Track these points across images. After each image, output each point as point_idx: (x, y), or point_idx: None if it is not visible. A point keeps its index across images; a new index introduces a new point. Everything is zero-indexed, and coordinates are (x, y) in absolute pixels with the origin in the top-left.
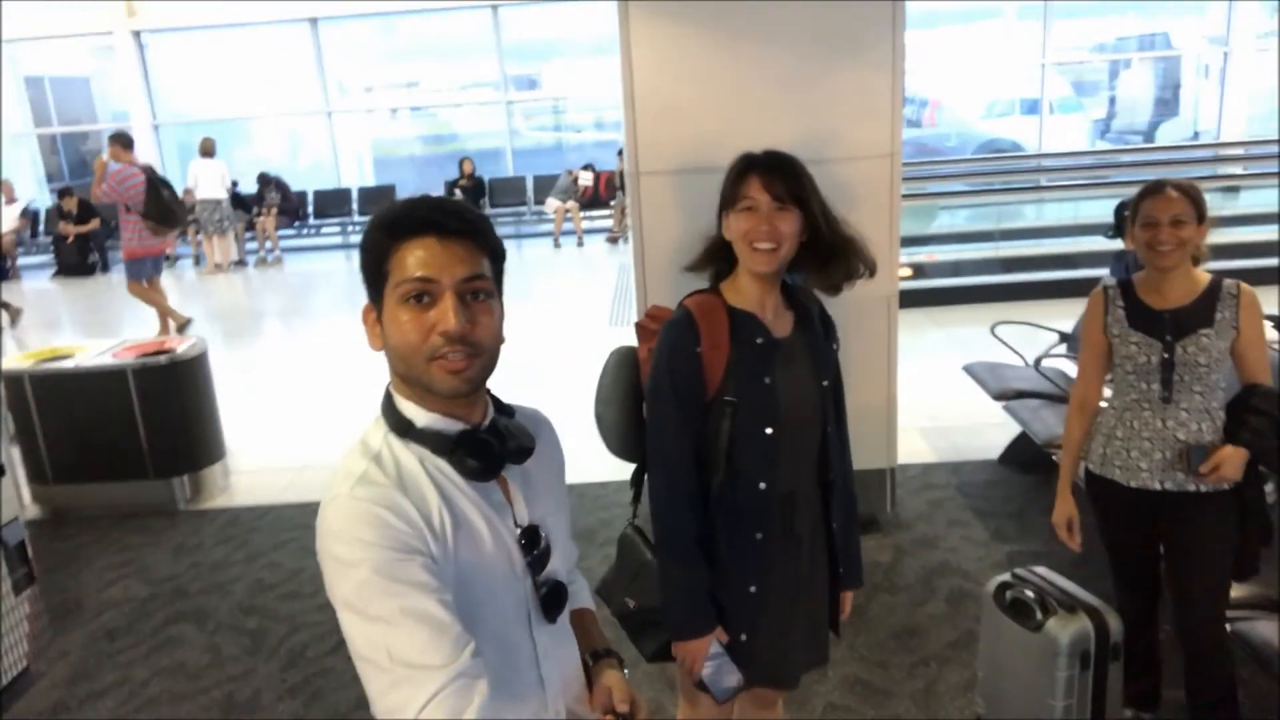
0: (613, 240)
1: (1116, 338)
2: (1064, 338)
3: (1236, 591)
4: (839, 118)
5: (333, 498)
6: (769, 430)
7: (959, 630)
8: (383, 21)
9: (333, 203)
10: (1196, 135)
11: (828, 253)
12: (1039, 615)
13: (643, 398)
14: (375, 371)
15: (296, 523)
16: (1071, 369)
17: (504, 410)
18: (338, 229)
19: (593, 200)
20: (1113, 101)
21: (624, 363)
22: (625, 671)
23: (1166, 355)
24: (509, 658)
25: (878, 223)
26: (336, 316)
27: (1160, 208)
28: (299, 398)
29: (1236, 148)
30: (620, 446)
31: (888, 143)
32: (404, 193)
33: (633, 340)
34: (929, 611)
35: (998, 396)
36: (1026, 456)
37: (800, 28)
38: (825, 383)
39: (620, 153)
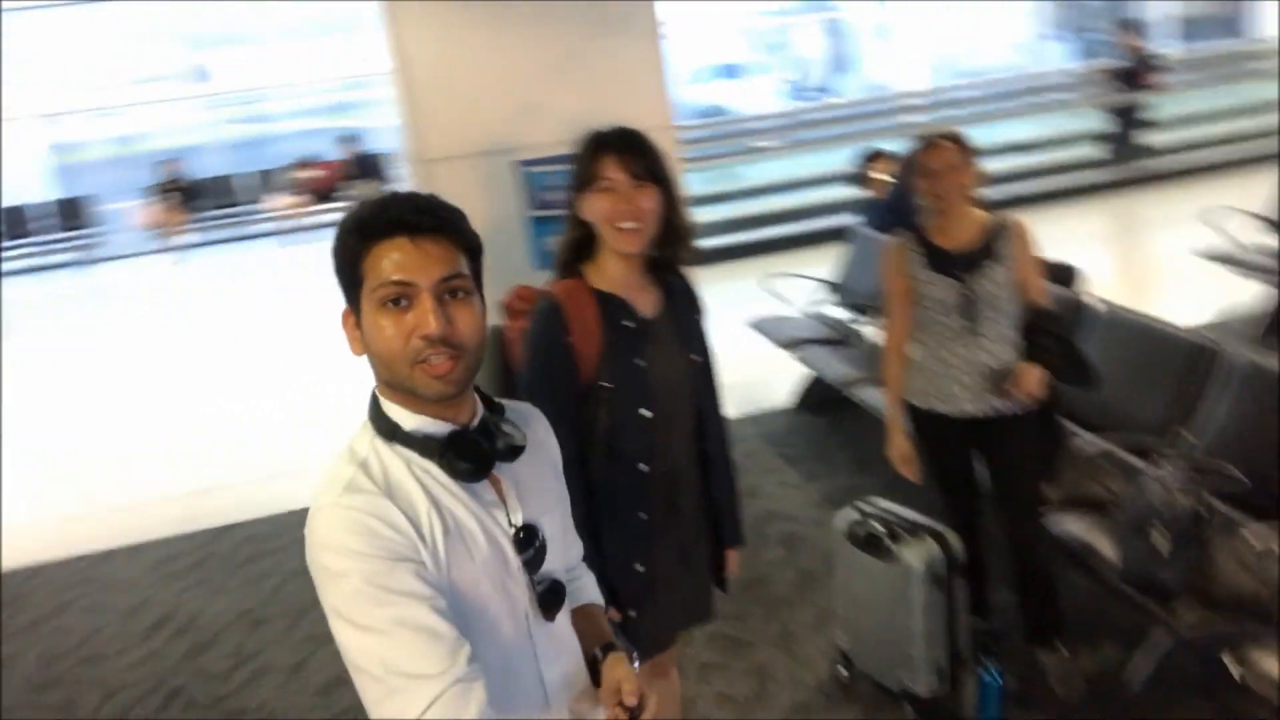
0: None
1: (918, 281)
2: (834, 287)
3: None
4: (615, 92)
5: (320, 506)
6: (646, 412)
7: (799, 571)
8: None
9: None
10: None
11: (676, 233)
12: (890, 545)
13: (512, 378)
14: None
15: (79, 578)
16: (839, 314)
17: (494, 408)
18: None
19: (326, 193)
20: (797, 62)
21: (490, 343)
22: (635, 665)
23: (965, 292)
24: (508, 659)
25: None
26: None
27: (936, 158)
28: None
29: (917, 98)
30: None
31: (662, 113)
32: (100, 204)
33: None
34: (768, 559)
35: (786, 346)
36: (817, 400)
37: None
38: (696, 358)
39: (347, 139)
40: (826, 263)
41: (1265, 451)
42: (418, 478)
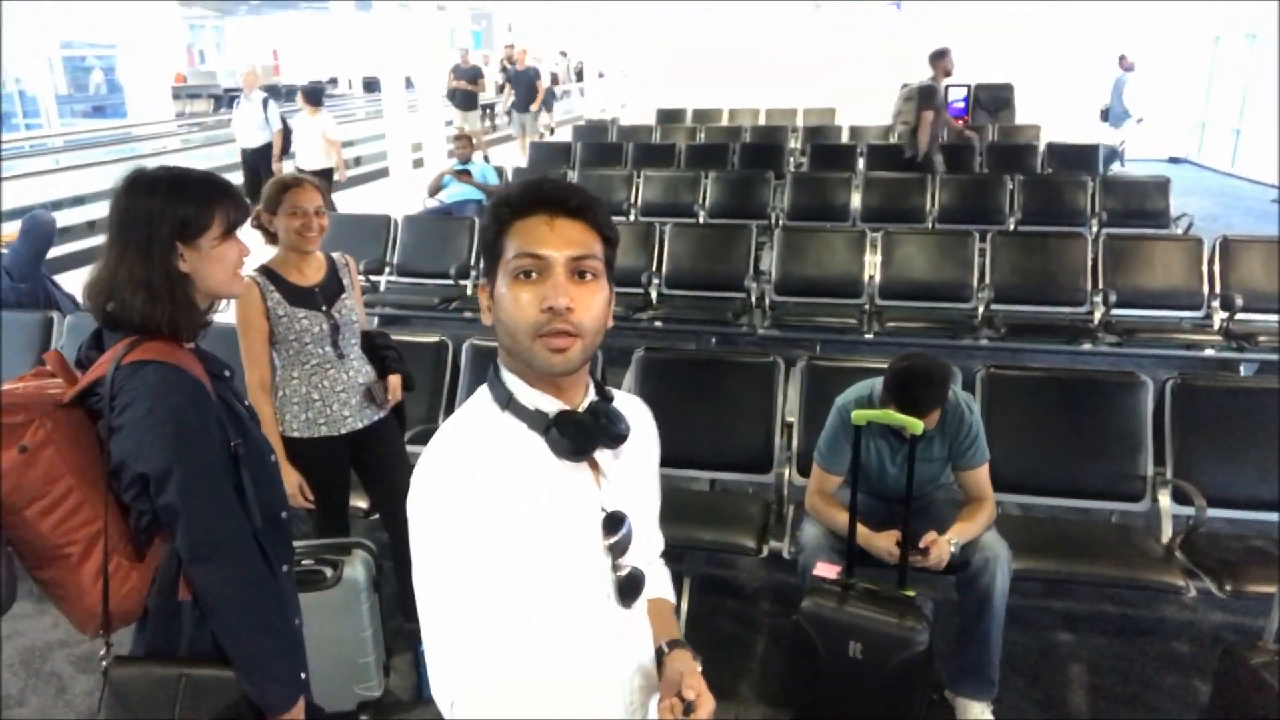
0: None
1: (283, 318)
2: None
3: None
4: None
5: (424, 459)
6: (272, 458)
7: None
8: None
9: None
10: None
11: None
12: (330, 572)
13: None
14: None
15: None
16: None
17: (605, 396)
18: None
19: None
20: None
21: None
22: (699, 666)
23: (330, 322)
24: (584, 638)
25: None
26: None
27: (306, 198)
28: None
29: None
30: (8, 597)
31: None
32: None
33: None
34: None
35: None
36: None
37: None
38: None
39: None
40: None
41: None
42: (520, 448)
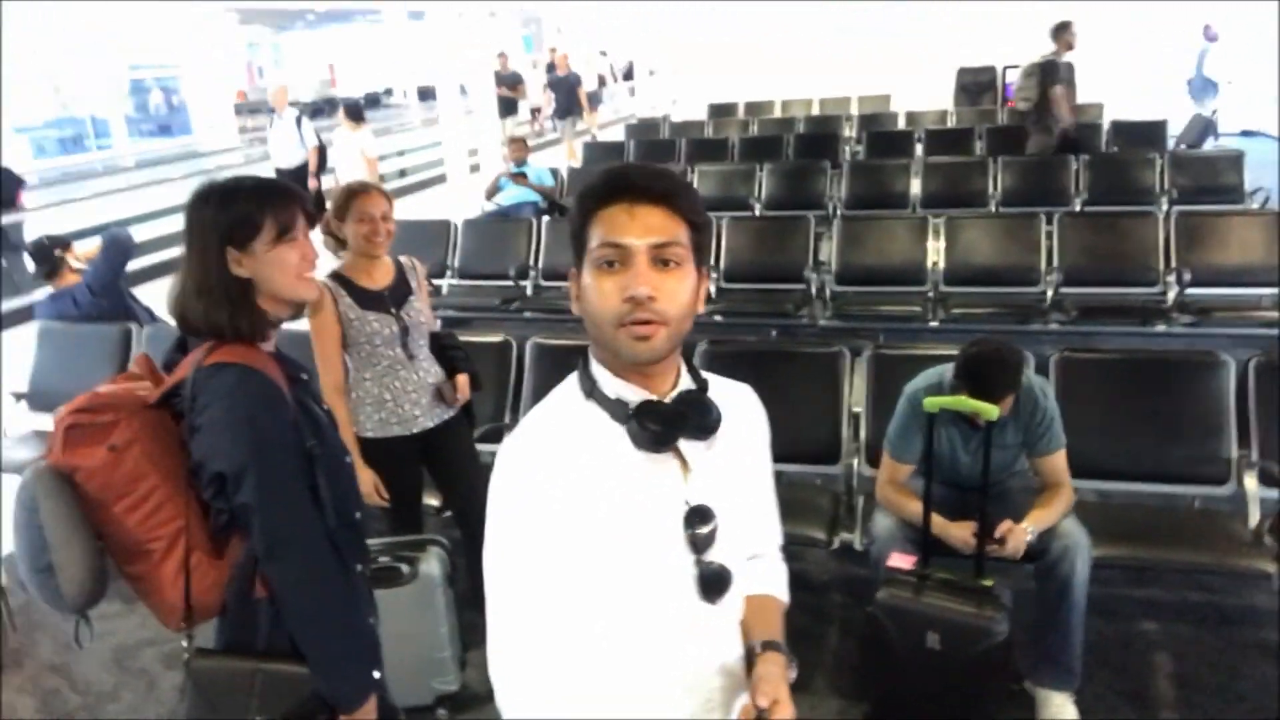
0: None
1: (354, 321)
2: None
3: None
4: None
5: (504, 447)
6: (348, 459)
7: None
8: None
9: None
10: None
11: None
12: (407, 568)
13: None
14: None
15: None
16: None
17: (700, 385)
18: None
19: None
20: None
21: (62, 487)
22: (794, 673)
23: (400, 324)
24: (660, 634)
25: None
26: None
27: (373, 204)
28: None
29: None
30: (95, 591)
31: None
32: None
33: None
34: None
35: None
36: None
37: None
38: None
39: None
40: None
41: None
42: (601, 438)
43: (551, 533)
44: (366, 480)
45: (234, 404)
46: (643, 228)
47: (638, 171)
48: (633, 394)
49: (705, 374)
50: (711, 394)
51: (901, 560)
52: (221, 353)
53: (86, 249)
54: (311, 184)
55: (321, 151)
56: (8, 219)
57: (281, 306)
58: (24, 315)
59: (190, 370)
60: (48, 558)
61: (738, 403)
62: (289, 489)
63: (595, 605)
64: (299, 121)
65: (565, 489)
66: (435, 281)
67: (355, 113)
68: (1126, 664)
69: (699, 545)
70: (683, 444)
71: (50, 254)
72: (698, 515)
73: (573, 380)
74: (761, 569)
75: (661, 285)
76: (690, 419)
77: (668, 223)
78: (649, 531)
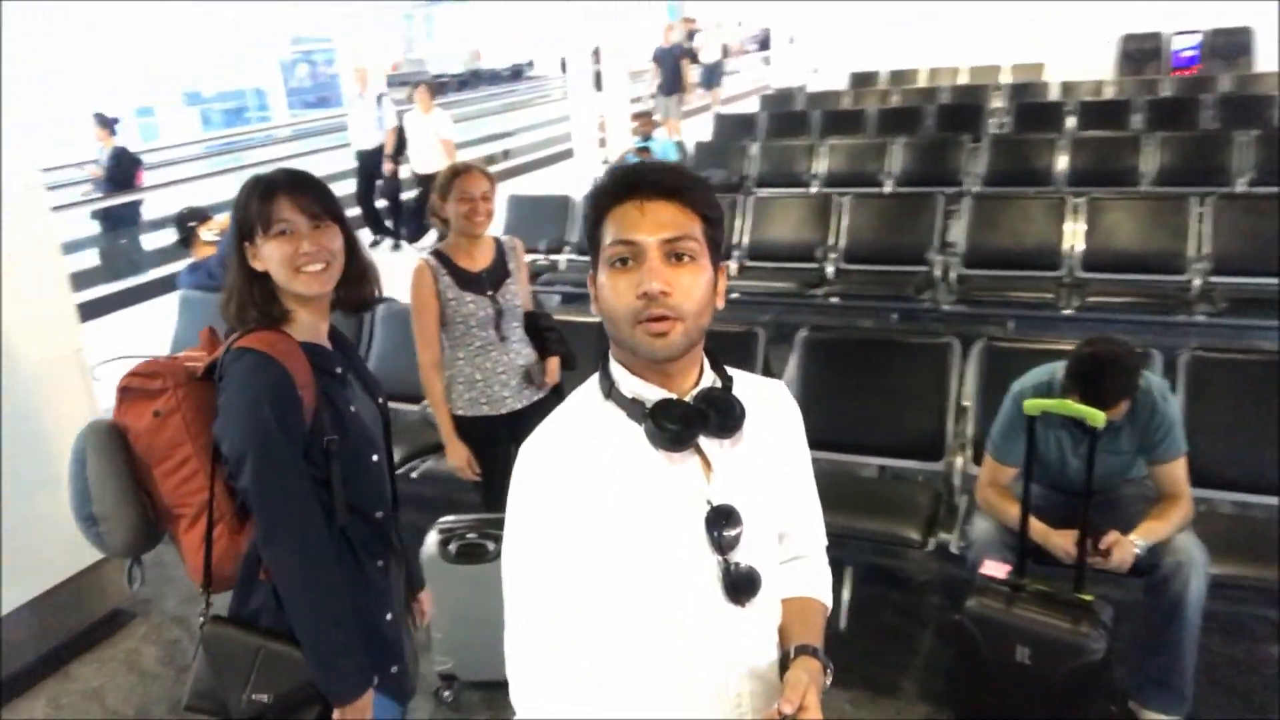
0: None
1: (452, 300)
2: None
3: None
4: None
5: (523, 449)
6: (374, 458)
7: None
8: None
9: None
10: None
11: (357, 269)
12: (491, 545)
13: (137, 478)
14: None
15: None
16: None
17: (725, 382)
18: None
19: None
20: None
21: (111, 444)
22: (829, 679)
23: (495, 306)
24: (683, 637)
25: None
26: None
27: (474, 185)
28: None
29: None
30: (135, 542)
31: None
32: None
33: None
34: None
35: None
36: None
37: None
38: (380, 399)
39: None
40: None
41: None
42: (620, 438)
43: (570, 533)
44: (460, 455)
45: (243, 389)
46: (654, 223)
47: (649, 168)
48: (651, 393)
49: (733, 371)
50: (737, 391)
51: (995, 568)
52: (249, 338)
53: (224, 222)
54: (387, 167)
55: (400, 133)
56: (126, 199)
57: (294, 299)
58: (137, 294)
59: (223, 350)
60: (90, 507)
61: (767, 400)
62: (286, 479)
63: (615, 605)
64: (380, 101)
65: (584, 490)
66: (552, 257)
67: (429, 90)
68: (1251, 689)
69: (724, 546)
70: (705, 443)
71: (184, 226)
72: (721, 515)
73: (593, 382)
74: (802, 571)
75: (675, 280)
76: (711, 417)
77: (679, 217)
78: (670, 532)
